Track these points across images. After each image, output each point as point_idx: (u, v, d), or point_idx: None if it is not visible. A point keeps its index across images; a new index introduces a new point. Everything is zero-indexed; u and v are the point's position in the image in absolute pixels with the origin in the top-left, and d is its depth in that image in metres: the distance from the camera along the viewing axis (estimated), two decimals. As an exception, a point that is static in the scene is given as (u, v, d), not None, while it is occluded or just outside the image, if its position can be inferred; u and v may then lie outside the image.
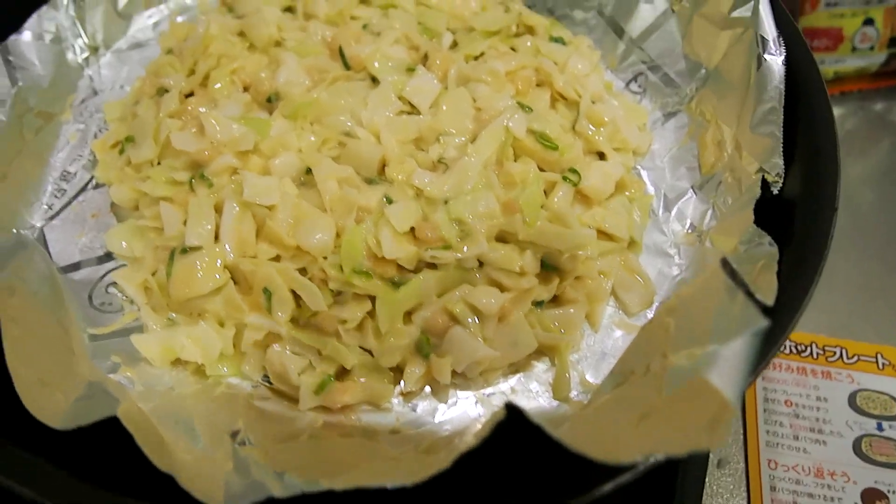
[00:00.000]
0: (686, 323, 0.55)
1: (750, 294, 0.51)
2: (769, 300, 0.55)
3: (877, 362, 0.83)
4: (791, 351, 0.85)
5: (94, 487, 0.50)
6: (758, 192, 0.66)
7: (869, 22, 1.04)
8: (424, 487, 0.46)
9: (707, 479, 0.76)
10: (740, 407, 0.44)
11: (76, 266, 0.72)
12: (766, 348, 0.53)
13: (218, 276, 0.66)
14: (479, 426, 0.63)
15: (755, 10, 0.73)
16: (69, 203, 0.76)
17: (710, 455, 0.77)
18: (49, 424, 0.51)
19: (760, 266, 0.60)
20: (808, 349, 0.85)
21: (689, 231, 0.75)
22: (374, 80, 0.77)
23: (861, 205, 1.01)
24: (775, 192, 0.67)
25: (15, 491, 0.48)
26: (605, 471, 0.47)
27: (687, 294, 0.58)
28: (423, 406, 0.65)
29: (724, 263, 0.53)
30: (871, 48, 1.05)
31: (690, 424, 0.44)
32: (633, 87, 0.87)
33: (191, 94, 0.77)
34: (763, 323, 0.46)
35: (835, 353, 0.85)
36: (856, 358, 0.84)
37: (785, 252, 0.61)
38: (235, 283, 0.67)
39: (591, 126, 0.77)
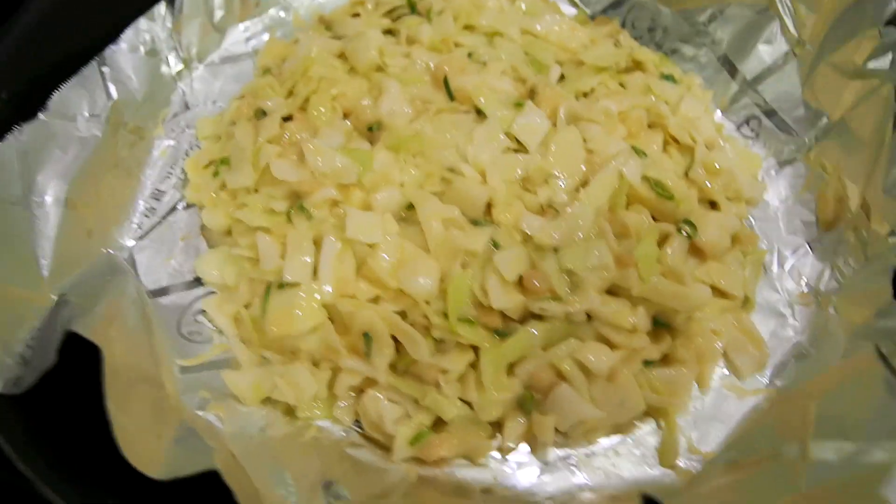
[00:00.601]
0: (832, 412, 0.51)
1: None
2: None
3: None
4: None
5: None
6: (894, 260, 0.62)
7: None
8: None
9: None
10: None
11: (164, 291, 0.70)
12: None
13: (316, 316, 0.63)
14: (585, 494, 0.60)
15: (894, 63, 0.69)
16: (159, 223, 0.74)
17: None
18: (147, 474, 0.49)
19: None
20: None
21: (806, 290, 0.71)
22: (480, 114, 0.74)
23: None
24: (908, 260, 0.63)
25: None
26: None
27: (832, 380, 0.54)
28: (520, 465, 0.62)
29: (882, 354, 0.49)
30: None
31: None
32: (745, 130, 0.83)
33: (289, 118, 0.74)
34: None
35: None
36: None
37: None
38: (332, 322, 0.64)
39: (705, 174, 0.73)
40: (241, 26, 0.90)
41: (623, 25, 0.90)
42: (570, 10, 0.92)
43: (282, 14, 0.92)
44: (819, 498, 0.45)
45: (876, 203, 0.67)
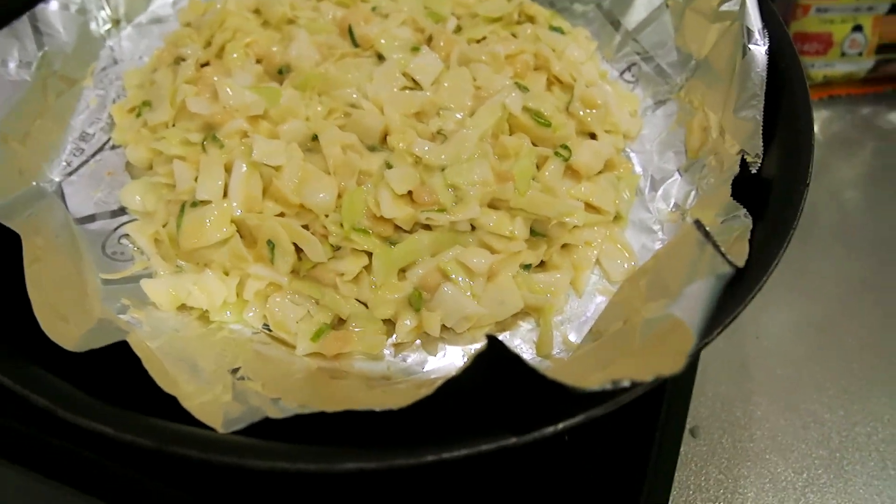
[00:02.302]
0: (659, 279, 0.58)
1: (717, 246, 0.54)
2: (739, 263, 0.59)
3: None
4: None
5: (102, 402, 0.54)
6: (737, 169, 0.70)
7: (858, 28, 1.08)
8: (410, 413, 0.50)
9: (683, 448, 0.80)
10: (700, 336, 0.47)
11: (91, 218, 0.76)
12: (734, 305, 0.57)
13: (225, 229, 0.70)
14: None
15: (742, 4, 0.77)
16: (86, 161, 0.81)
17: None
18: (63, 346, 0.56)
19: (735, 236, 0.64)
20: None
21: (673, 210, 0.79)
22: (381, 58, 0.82)
23: (846, 204, 1.05)
24: (754, 171, 0.71)
25: (31, 400, 0.52)
26: (578, 402, 0.50)
27: (660, 254, 0.61)
28: (413, 357, 0.69)
29: (697, 223, 0.57)
30: (860, 54, 1.10)
31: (656, 357, 0.48)
32: (627, 76, 0.91)
33: (206, 64, 0.82)
34: (727, 269, 0.50)
35: None
36: None
37: (759, 224, 0.65)
38: (241, 237, 0.71)
39: (583, 108, 0.81)
40: (167, -11, 0.97)
41: (521, -14, 0.99)
42: (473, -26, 1.00)
43: (206, -23, 0.99)
44: (647, 345, 0.53)
45: (728, 125, 0.76)
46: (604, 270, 0.75)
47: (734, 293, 0.58)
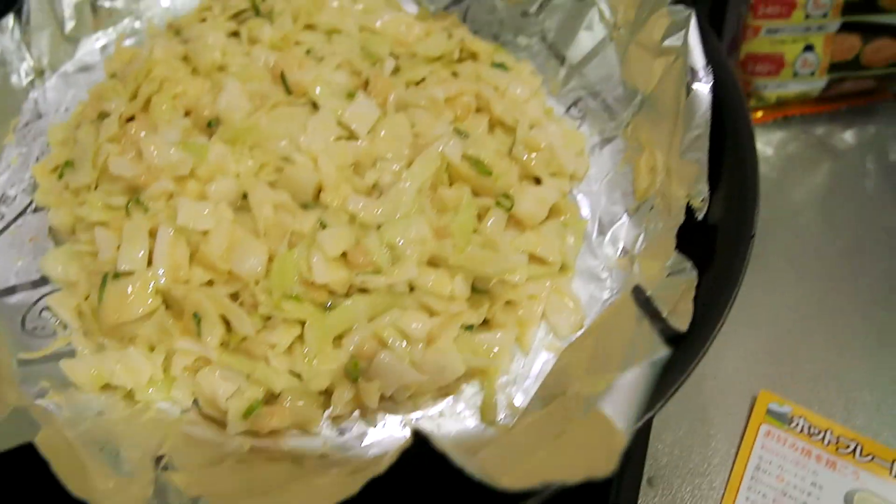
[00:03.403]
0: (602, 348, 0.56)
1: (657, 320, 0.52)
2: (683, 326, 0.56)
3: (891, 469, 0.80)
4: (802, 430, 0.83)
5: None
6: (682, 217, 0.68)
7: (809, 48, 1.06)
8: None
9: (640, 499, 0.77)
10: (633, 435, 0.45)
11: (11, 290, 0.72)
12: (675, 376, 0.55)
13: (149, 301, 0.66)
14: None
15: (685, 39, 0.75)
16: (7, 227, 0.77)
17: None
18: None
19: (681, 292, 0.62)
20: (823, 434, 0.83)
21: (622, 255, 0.77)
22: (315, 106, 0.78)
23: (800, 227, 1.03)
24: (700, 217, 0.69)
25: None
26: (510, 497, 0.48)
27: (605, 317, 0.59)
28: (350, 431, 0.66)
29: (636, 290, 0.55)
30: (812, 73, 1.08)
31: (589, 452, 0.46)
32: (573, 112, 0.88)
33: (132, 119, 0.78)
34: (663, 353, 0.47)
35: (849, 446, 0.82)
36: (870, 457, 0.81)
37: (705, 277, 0.63)
38: (168, 307, 0.68)
39: (527, 152, 0.79)
40: (95, 36, 0.93)
41: (464, 20, 0.96)
42: (412, 8, 0.97)
43: (136, 24, 0.95)
44: (583, 427, 0.50)
45: (675, 167, 0.73)
46: (550, 325, 0.73)
47: (677, 359, 0.56)
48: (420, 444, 0.48)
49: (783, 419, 0.85)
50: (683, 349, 0.57)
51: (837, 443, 0.83)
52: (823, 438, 0.83)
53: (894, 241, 1.00)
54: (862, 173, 1.10)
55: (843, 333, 0.92)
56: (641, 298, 0.54)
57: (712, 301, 0.59)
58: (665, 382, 0.54)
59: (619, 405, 0.45)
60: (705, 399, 0.88)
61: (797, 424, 0.84)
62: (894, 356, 0.90)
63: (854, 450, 0.83)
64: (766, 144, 1.12)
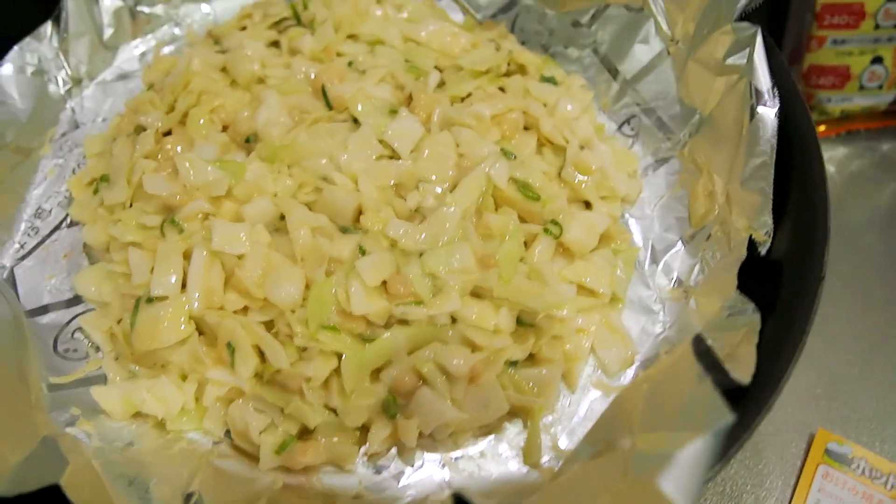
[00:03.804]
0: (657, 401, 0.52)
1: (717, 371, 0.48)
2: (745, 378, 0.52)
3: None
4: (863, 472, 0.78)
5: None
6: (744, 252, 0.64)
7: (878, 60, 1.00)
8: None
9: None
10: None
11: (44, 309, 0.71)
12: (735, 433, 0.51)
13: (183, 328, 0.64)
14: (445, 491, 0.61)
15: (750, 58, 0.70)
16: (42, 242, 0.75)
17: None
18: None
19: (742, 335, 0.57)
20: (886, 478, 0.78)
21: (675, 286, 0.73)
22: (356, 122, 0.75)
23: (864, 250, 0.97)
24: (763, 252, 0.64)
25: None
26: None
27: (662, 368, 0.55)
28: (388, 469, 0.63)
29: (696, 342, 0.50)
30: (880, 87, 1.02)
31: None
32: (626, 129, 0.84)
33: (169, 133, 0.76)
34: (727, 419, 0.43)
35: None
36: None
37: (769, 320, 0.58)
38: (202, 333, 0.65)
39: (578, 174, 0.75)
40: (133, 43, 0.91)
41: (512, 29, 0.92)
42: (459, 17, 0.94)
43: (175, 30, 0.93)
44: (636, 488, 0.47)
45: (735, 196, 0.69)
46: (599, 361, 0.69)
47: (738, 412, 0.52)
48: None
49: (843, 460, 0.80)
50: (743, 404, 0.52)
51: (902, 489, 0.78)
52: (886, 482, 0.78)
53: (962, 269, 0.94)
54: (930, 193, 1.04)
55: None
56: (702, 349, 0.50)
57: (776, 352, 0.55)
58: (727, 443, 0.50)
59: (680, 481, 0.41)
60: (759, 435, 0.83)
61: (858, 466, 0.79)
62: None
63: (919, 496, 0.78)
64: (829, 161, 1.06)
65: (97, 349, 0.68)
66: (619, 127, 0.85)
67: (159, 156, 0.73)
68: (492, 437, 0.65)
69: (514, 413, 0.65)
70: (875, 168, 1.05)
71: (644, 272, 0.74)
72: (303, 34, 0.83)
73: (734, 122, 0.71)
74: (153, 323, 0.64)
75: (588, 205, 0.75)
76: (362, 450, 0.64)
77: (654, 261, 0.75)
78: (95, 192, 0.75)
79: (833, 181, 1.05)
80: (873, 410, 0.84)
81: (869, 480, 0.78)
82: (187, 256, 0.67)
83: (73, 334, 0.69)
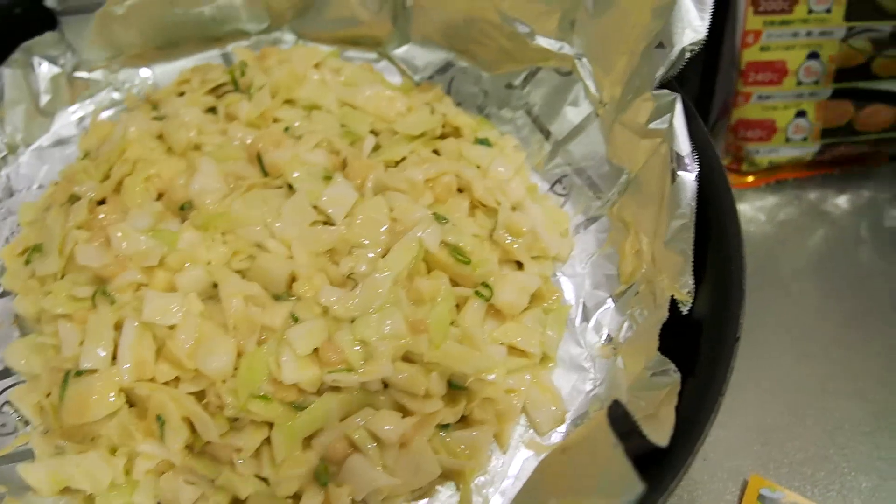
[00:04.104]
0: (574, 470, 0.53)
1: (636, 435, 0.50)
2: (663, 441, 0.54)
3: None
4: None
5: None
6: (666, 313, 0.65)
7: (801, 114, 1.04)
8: None
9: None
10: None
11: (-26, 382, 0.70)
12: (657, 497, 0.52)
13: (112, 400, 0.64)
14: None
15: (670, 124, 0.73)
16: (-27, 313, 0.75)
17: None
18: None
19: (664, 395, 0.59)
20: None
21: (606, 342, 0.74)
22: (292, 188, 0.76)
23: (796, 298, 1.01)
24: (685, 311, 0.66)
25: None
26: None
27: (580, 436, 0.57)
28: (320, 539, 0.63)
29: (613, 407, 0.52)
30: (805, 139, 1.06)
31: None
32: (558, 188, 0.86)
33: (103, 202, 0.76)
34: (638, 492, 0.45)
35: None
36: None
37: (689, 380, 0.60)
38: (132, 405, 0.65)
39: (509, 235, 0.76)
40: (71, 109, 0.91)
41: (448, 91, 0.94)
42: (397, 79, 0.96)
43: (114, 95, 0.94)
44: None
45: (660, 256, 0.71)
46: (530, 420, 0.70)
47: (653, 476, 0.53)
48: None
49: (775, 506, 0.82)
50: (663, 468, 0.54)
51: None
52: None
53: (888, 315, 0.97)
54: (857, 239, 1.07)
55: (839, 413, 0.89)
56: (618, 414, 0.51)
57: (693, 414, 0.57)
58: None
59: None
60: (693, 482, 0.85)
61: (782, 509, 0.81)
62: (891, 438, 0.87)
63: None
64: (759, 210, 1.10)
65: (26, 423, 0.67)
66: (552, 186, 0.87)
67: (93, 226, 0.73)
68: (425, 500, 0.66)
69: (447, 476, 0.66)
70: (803, 216, 1.09)
71: (575, 330, 0.76)
72: (240, 100, 0.84)
73: (658, 183, 0.74)
74: (82, 396, 0.63)
75: (520, 265, 0.77)
76: (295, 519, 0.64)
77: (586, 318, 0.76)
78: (27, 262, 0.75)
79: (763, 230, 1.08)
80: (805, 455, 0.86)
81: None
82: (118, 328, 0.67)
83: (1, 407, 0.68)
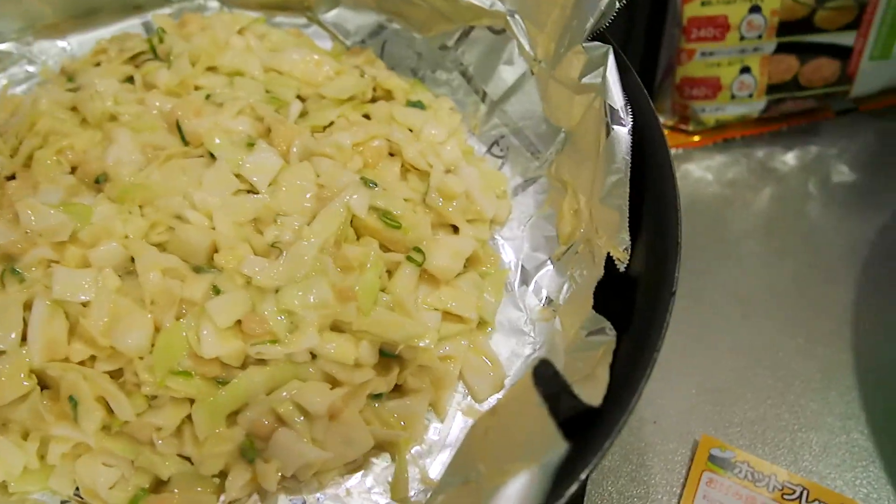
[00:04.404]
0: (502, 432, 0.51)
1: (567, 395, 0.48)
2: (596, 400, 0.52)
3: None
4: (746, 476, 0.79)
5: None
6: (601, 271, 0.63)
7: (746, 70, 1.03)
8: None
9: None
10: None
11: None
12: (586, 457, 0.50)
13: (25, 384, 0.61)
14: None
15: (603, 77, 0.70)
16: None
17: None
18: None
19: (601, 354, 0.57)
20: (767, 480, 0.78)
21: (545, 305, 0.72)
22: (214, 157, 0.73)
23: (743, 260, 0.99)
24: (622, 269, 0.64)
25: None
26: None
27: (509, 398, 0.54)
28: (248, 518, 0.61)
29: (537, 368, 0.50)
30: (750, 95, 1.05)
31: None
32: (496, 150, 0.84)
33: (13, 177, 0.72)
34: (560, 451, 0.43)
35: (794, 491, 0.77)
36: (816, 503, 0.77)
37: (624, 338, 0.58)
38: (45, 388, 0.62)
39: (442, 199, 0.74)
40: (-18, 83, 0.87)
41: (381, 55, 0.91)
42: (327, 45, 0.92)
43: (29, 69, 0.89)
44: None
45: (596, 213, 0.69)
46: (468, 387, 0.68)
47: (586, 439, 0.51)
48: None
49: (726, 465, 0.81)
50: (596, 427, 0.52)
51: (783, 489, 0.79)
52: (768, 485, 0.79)
53: (837, 271, 0.97)
54: (805, 196, 1.06)
55: (788, 372, 0.89)
56: (547, 375, 0.49)
57: (628, 372, 0.55)
58: (576, 466, 0.49)
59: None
60: (646, 445, 0.83)
61: (740, 471, 0.80)
62: (840, 395, 0.86)
63: (800, 496, 0.78)
64: (706, 170, 1.08)
65: (-65, 414, 0.64)
66: (489, 148, 0.84)
67: (1, 202, 0.69)
68: (359, 474, 0.63)
69: (381, 447, 0.64)
70: (751, 174, 1.08)
71: (514, 293, 0.74)
72: (158, 68, 0.80)
73: (593, 140, 0.72)
74: (-10, 380, 0.60)
75: (456, 230, 0.75)
76: (222, 498, 0.61)
77: (525, 281, 0.74)
78: (-68, 245, 0.71)
79: (712, 190, 1.07)
80: (755, 415, 0.85)
81: (751, 483, 0.79)
82: (29, 307, 0.63)
83: None
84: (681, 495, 0.79)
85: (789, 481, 0.79)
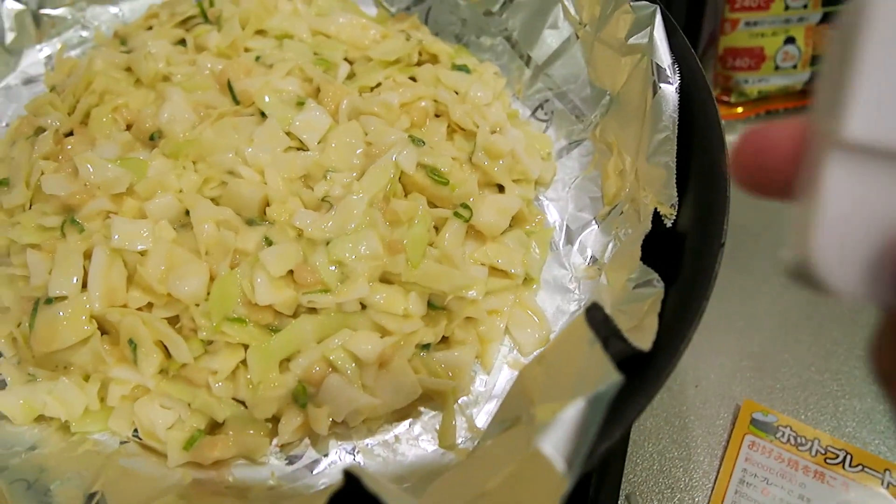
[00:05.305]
0: (554, 373, 0.52)
1: (618, 339, 0.48)
2: (646, 345, 0.52)
3: (882, 479, 0.76)
4: (789, 440, 0.78)
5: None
6: (649, 225, 0.64)
7: (790, 40, 1.02)
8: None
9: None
10: (578, 475, 0.41)
11: (-57, 317, 0.68)
12: (638, 401, 0.51)
13: (84, 328, 0.62)
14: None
15: (650, 37, 0.71)
16: (-58, 250, 0.73)
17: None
18: None
19: (648, 305, 0.58)
20: (810, 444, 0.78)
21: (590, 264, 0.73)
22: (264, 115, 0.74)
23: (787, 222, 0.99)
24: (669, 224, 0.65)
25: None
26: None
27: (559, 339, 0.55)
28: (300, 459, 0.62)
29: (592, 309, 0.50)
30: (794, 66, 1.04)
31: (533, 492, 0.42)
32: (540, 114, 0.84)
33: (70, 134, 0.74)
34: (614, 381, 0.43)
35: (837, 456, 0.77)
36: (860, 468, 0.76)
37: (673, 289, 0.59)
38: (105, 333, 0.64)
39: (488, 158, 0.74)
40: (38, 47, 0.89)
41: (425, 21, 0.92)
42: (372, 10, 0.93)
43: (83, 33, 0.92)
44: (532, 462, 0.46)
45: (642, 172, 0.69)
46: (514, 341, 0.69)
47: (638, 383, 0.52)
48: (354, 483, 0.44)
49: (768, 429, 0.81)
50: (645, 372, 0.52)
51: (826, 453, 0.79)
52: (811, 449, 0.79)
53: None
54: (848, 168, 1.05)
55: (831, 339, 0.88)
56: (598, 318, 0.50)
57: (677, 319, 0.55)
58: (626, 408, 0.50)
59: (560, 443, 0.41)
60: (687, 409, 0.84)
61: (783, 434, 0.80)
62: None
63: (843, 460, 0.78)
64: (748, 142, 1.08)
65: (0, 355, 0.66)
66: (533, 112, 0.85)
67: (60, 157, 0.71)
68: (407, 421, 0.64)
69: (429, 397, 0.65)
70: (794, 146, 1.07)
71: (559, 253, 0.74)
72: (209, 31, 0.82)
73: (639, 100, 0.72)
74: (52, 324, 0.62)
75: (501, 189, 0.75)
76: (274, 441, 0.63)
77: (570, 241, 0.75)
78: (-6, 197, 0.73)
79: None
80: (797, 380, 0.85)
81: (794, 447, 0.79)
82: (88, 256, 0.65)
83: (-28, 342, 0.67)
84: (722, 458, 0.79)
85: (832, 446, 0.79)
